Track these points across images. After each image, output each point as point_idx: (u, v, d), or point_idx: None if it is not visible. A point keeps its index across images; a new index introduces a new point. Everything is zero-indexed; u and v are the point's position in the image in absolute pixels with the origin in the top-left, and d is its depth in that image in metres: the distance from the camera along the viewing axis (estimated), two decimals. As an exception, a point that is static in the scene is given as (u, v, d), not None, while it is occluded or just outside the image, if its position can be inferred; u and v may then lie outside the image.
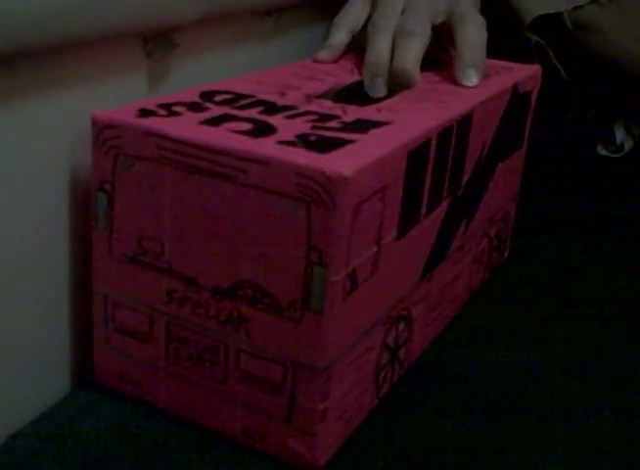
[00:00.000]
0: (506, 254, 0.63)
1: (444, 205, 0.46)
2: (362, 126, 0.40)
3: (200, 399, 0.41)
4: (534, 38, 0.80)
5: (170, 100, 0.41)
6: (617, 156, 0.87)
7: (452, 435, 0.42)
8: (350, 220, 0.35)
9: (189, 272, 0.39)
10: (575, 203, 0.72)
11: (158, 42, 0.41)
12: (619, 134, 0.89)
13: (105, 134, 0.38)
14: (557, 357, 0.50)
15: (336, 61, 0.54)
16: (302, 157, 0.35)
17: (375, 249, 0.38)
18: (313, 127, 0.39)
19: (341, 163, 0.34)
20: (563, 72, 0.82)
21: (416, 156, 0.40)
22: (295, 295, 0.36)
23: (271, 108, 0.41)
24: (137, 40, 0.43)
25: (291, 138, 0.37)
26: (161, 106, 0.40)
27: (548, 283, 0.59)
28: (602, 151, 0.89)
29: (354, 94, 0.49)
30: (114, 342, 0.43)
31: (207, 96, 0.42)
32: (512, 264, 0.62)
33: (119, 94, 0.42)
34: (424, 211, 0.43)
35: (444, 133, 0.43)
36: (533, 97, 0.57)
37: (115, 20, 0.38)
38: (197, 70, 0.48)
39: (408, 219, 0.41)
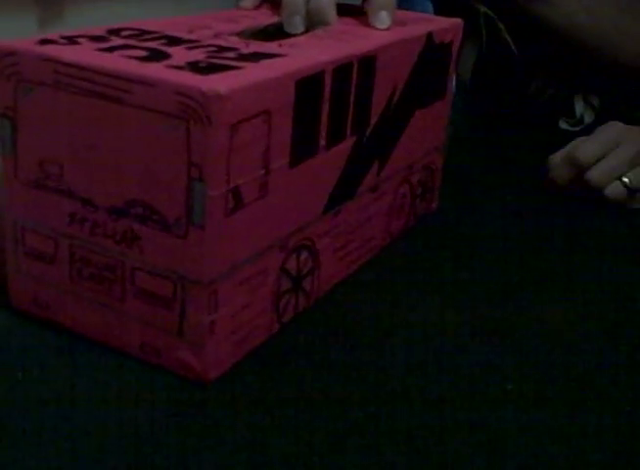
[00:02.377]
0: (434, 204, 0.65)
1: (349, 141, 0.48)
2: (255, 57, 0.42)
3: (101, 318, 0.43)
4: (483, 9, 0.82)
5: (75, 33, 0.43)
6: (578, 129, 0.88)
7: (341, 365, 0.44)
8: (227, 137, 0.37)
9: (86, 193, 0.41)
10: (525, 174, 0.74)
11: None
12: (579, 107, 0.91)
13: (5, 61, 0.40)
14: (446, 301, 0.52)
15: (257, 8, 0.56)
16: (184, 77, 0.37)
17: (262, 171, 0.40)
18: (208, 56, 0.41)
19: (219, 82, 0.36)
20: (512, 46, 0.84)
21: (306, 86, 0.42)
22: (179, 211, 0.38)
23: (173, 40, 0.43)
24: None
25: (181, 63, 0.39)
26: (64, 37, 0.42)
27: (466, 237, 0.61)
28: (563, 125, 0.91)
29: (272, 35, 0.51)
30: (25, 266, 0.45)
31: (114, 31, 0.44)
32: (440, 215, 0.64)
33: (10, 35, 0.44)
34: (322, 143, 0.45)
35: (341, 69, 0.45)
36: (454, 49, 0.59)
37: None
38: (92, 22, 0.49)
39: (303, 149, 0.43)
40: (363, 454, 0.37)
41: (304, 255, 0.47)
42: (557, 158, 0.69)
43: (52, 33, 0.43)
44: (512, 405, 0.41)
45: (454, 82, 0.90)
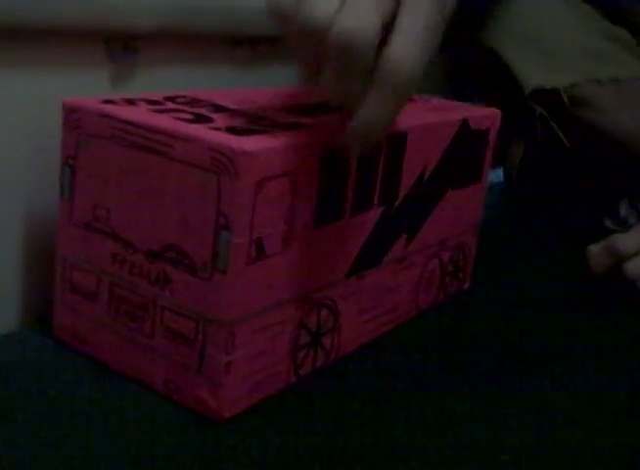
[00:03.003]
0: (466, 284, 0.68)
1: (376, 211, 0.52)
2: (288, 126, 0.46)
3: (131, 352, 0.47)
4: (539, 109, 0.85)
5: (136, 96, 0.49)
6: (621, 230, 0.90)
7: (351, 423, 0.46)
8: (253, 191, 0.41)
9: (128, 236, 0.45)
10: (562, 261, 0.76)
11: (118, 45, 0.50)
12: (623, 210, 0.93)
13: (71, 116, 0.46)
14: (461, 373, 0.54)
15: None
16: (219, 137, 0.42)
17: (284, 227, 0.44)
18: (245, 123, 0.46)
19: (248, 142, 0.41)
20: (565, 141, 0.87)
21: (332, 155, 0.46)
22: (206, 256, 0.43)
23: (219, 108, 0.49)
24: (99, 41, 0.51)
25: (219, 126, 0.44)
26: (125, 99, 0.48)
27: (494, 319, 0.63)
28: (608, 223, 0.93)
29: (313, 111, 0.55)
30: (69, 301, 0.49)
31: (170, 98, 0.50)
32: (471, 295, 0.67)
33: (84, 89, 0.50)
34: (348, 209, 0.49)
35: (370, 143, 0.49)
36: (491, 136, 0.63)
37: (73, 15, 0.46)
38: (161, 83, 0.55)
39: (327, 212, 0.47)
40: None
41: (325, 313, 0.50)
42: (596, 248, 0.71)
43: (117, 95, 0.48)
44: None
45: (502, 174, 0.94)
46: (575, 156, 0.88)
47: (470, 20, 0.80)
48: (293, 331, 0.48)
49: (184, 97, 0.51)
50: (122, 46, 0.50)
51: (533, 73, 0.78)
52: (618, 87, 0.80)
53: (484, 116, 0.62)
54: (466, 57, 0.85)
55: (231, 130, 0.43)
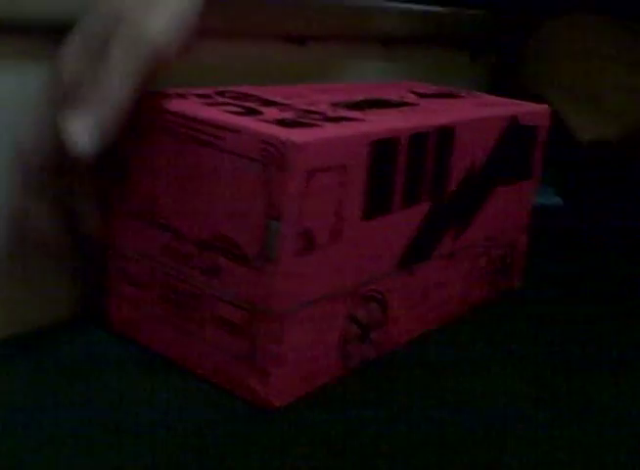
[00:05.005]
0: (517, 282, 0.67)
1: (425, 205, 0.52)
2: (337, 120, 0.47)
3: (182, 342, 0.48)
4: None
5: (187, 91, 0.50)
6: None
7: (397, 417, 0.47)
8: (303, 183, 0.42)
9: (180, 227, 0.46)
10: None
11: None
12: None
13: (125, 110, 0.47)
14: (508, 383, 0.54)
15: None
16: (269, 129, 0.42)
17: (334, 219, 0.45)
18: (295, 116, 0.46)
19: (297, 134, 0.42)
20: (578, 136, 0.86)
21: (380, 148, 0.46)
22: (257, 247, 0.43)
23: (269, 103, 0.49)
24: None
25: (269, 119, 0.44)
26: (177, 93, 0.49)
27: (548, 317, 0.63)
28: None
29: (363, 107, 0.56)
30: (122, 291, 0.50)
31: (220, 92, 0.51)
32: (527, 293, 0.67)
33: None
34: (397, 202, 0.49)
35: (417, 137, 0.49)
36: (540, 133, 0.63)
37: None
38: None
39: (376, 205, 0.47)
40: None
41: (374, 306, 0.50)
42: None
43: (168, 89, 0.49)
44: None
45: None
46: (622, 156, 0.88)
47: (509, 64, 0.80)
48: (342, 323, 0.48)
49: (233, 91, 0.51)
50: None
51: (586, 126, 0.79)
52: None
53: (534, 112, 0.61)
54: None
55: (281, 123, 0.44)
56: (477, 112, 0.56)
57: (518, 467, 0.42)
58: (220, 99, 0.49)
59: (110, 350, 0.50)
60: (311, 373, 0.47)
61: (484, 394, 0.50)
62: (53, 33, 0.47)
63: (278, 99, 0.51)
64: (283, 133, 0.41)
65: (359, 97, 0.57)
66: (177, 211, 0.46)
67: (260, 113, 0.46)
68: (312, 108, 0.49)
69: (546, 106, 0.63)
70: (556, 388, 0.51)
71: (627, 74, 0.81)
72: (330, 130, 0.44)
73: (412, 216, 0.51)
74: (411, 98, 0.59)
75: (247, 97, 0.50)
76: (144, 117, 0.46)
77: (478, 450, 0.43)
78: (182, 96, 0.48)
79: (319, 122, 0.45)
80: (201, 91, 0.50)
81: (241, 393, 0.46)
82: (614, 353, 0.57)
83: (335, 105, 0.52)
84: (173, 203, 0.46)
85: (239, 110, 0.46)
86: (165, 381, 0.47)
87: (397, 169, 0.48)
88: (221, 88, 0.52)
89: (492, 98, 0.63)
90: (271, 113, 0.46)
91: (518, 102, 0.63)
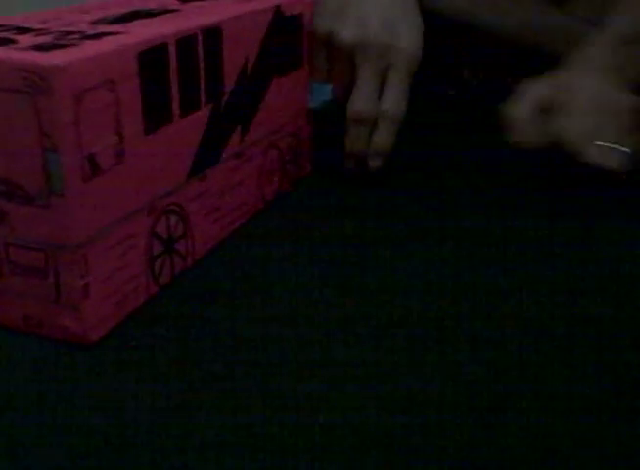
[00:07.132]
0: (307, 170, 0.68)
1: (206, 109, 0.51)
2: (98, 36, 0.45)
3: (-17, 296, 0.45)
4: None
5: None
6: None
7: (216, 324, 0.47)
8: (73, 106, 0.40)
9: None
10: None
11: None
12: (465, 72, 0.97)
13: None
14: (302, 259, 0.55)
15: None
16: (25, 55, 0.40)
17: (115, 138, 0.43)
18: (53, 39, 0.44)
19: (57, 56, 0.39)
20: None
21: (148, 57, 0.45)
22: (39, 182, 0.41)
23: (23, 30, 0.46)
24: None
25: (25, 47, 0.42)
26: None
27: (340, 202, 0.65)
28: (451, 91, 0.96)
29: (124, 20, 0.54)
30: None
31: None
32: (314, 180, 0.68)
33: None
34: (176, 111, 0.48)
35: (185, 41, 0.48)
36: (306, 21, 0.63)
37: None
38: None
39: (156, 117, 0.46)
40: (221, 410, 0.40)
41: (174, 219, 0.50)
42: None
43: None
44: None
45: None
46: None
47: None
48: (145, 242, 0.47)
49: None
50: None
51: None
52: None
53: (297, 1, 0.61)
54: None
55: (38, 48, 0.41)
56: (240, 8, 0.55)
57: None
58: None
59: None
60: (123, 299, 0.46)
61: (294, 284, 0.51)
62: None
63: (33, 25, 0.47)
64: (41, 58, 0.39)
65: (120, 12, 0.54)
66: (-56, 160, 0.43)
67: (14, 41, 0.43)
68: (71, 29, 0.47)
69: (306, -9, 0.63)
70: (347, 269, 0.53)
71: None
72: (92, 47, 0.42)
73: (195, 123, 0.50)
74: (173, 4, 0.57)
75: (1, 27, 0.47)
76: None
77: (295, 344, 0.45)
78: None
79: (79, 42, 0.43)
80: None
81: (55, 334, 0.44)
82: (399, 229, 0.60)
83: (95, 23, 0.49)
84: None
85: (-12, 41, 0.43)
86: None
87: (171, 78, 0.47)
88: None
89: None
90: (26, 40, 0.43)
91: None
